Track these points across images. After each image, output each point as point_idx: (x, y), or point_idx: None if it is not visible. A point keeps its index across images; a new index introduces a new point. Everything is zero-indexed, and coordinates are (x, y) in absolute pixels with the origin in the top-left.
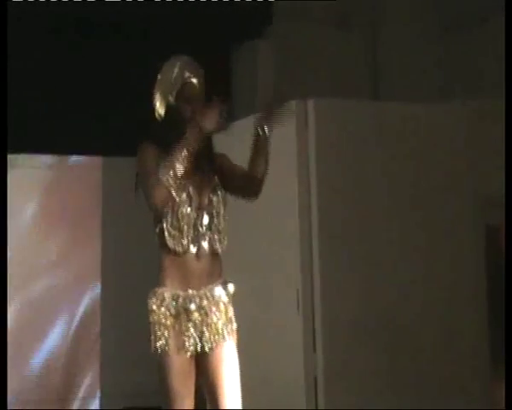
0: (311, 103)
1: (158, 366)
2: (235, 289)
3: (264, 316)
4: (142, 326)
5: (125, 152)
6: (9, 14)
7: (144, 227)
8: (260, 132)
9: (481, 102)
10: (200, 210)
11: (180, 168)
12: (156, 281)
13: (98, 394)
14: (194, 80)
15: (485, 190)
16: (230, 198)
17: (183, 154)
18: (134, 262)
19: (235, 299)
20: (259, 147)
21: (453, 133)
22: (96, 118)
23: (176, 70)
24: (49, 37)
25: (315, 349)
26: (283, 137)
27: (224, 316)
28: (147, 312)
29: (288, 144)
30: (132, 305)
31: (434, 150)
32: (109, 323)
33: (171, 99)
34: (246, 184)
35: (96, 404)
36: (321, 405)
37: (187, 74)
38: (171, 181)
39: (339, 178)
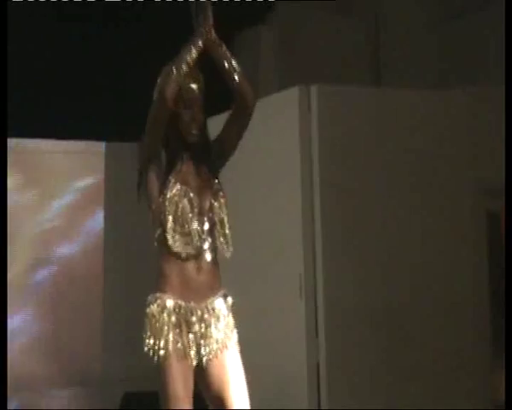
0: (313, 89)
1: (158, 369)
2: (234, 300)
3: (266, 301)
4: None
5: (128, 138)
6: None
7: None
8: (206, 35)
9: (482, 89)
10: (201, 216)
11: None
12: (156, 285)
13: (100, 377)
14: (194, 85)
15: (486, 177)
16: (229, 187)
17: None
18: (136, 252)
19: (236, 289)
20: (217, 53)
21: (454, 120)
22: (100, 103)
23: (174, 76)
24: (52, 21)
25: (317, 334)
26: (286, 122)
27: (224, 328)
28: (146, 315)
29: (290, 130)
30: (134, 292)
31: (435, 136)
32: (112, 308)
33: (170, 104)
34: (236, 107)
35: (97, 388)
36: (323, 390)
37: (186, 79)
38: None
39: (341, 164)
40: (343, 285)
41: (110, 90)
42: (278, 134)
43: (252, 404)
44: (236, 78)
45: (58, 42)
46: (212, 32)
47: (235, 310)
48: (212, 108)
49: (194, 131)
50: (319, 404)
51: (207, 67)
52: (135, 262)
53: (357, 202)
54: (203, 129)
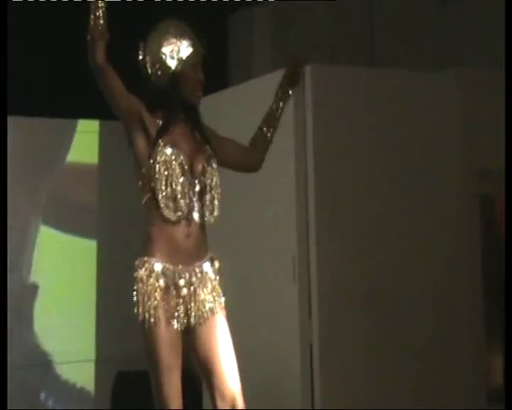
0: (308, 69)
1: (145, 336)
2: (222, 264)
3: (259, 284)
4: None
5: None
6: None
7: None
8: (283, 96)
9: (477, 71)
10: (192, 179)
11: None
12: (142, 249)
13: (93, 358)
14: (200, 48)
15: (480, 160)
16: (220, 171)
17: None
18: (131, 227)
19: (228, 269)
20: (274, 116)
21: (448, 102)
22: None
23: (181, 39)
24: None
25: (310, 317)
26: None
27: (211, 292)
28: (133, 280)
29: (284, 111)
30: (127, 268)
31: (429, 118)
32: (104, 287)
33: (178, 66)
34: (245, 160)
35: (90, 368)
36: (316, 373)
37: (193, 42)
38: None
39: (335, 145)
40: (337, 268)
41: None
42: None
43: (244, 386)
44: (263, 149)
45: (52, 18)
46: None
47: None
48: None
49: (200, 93)
50: (312, 385)
51: None
52: (131, 242)
53: (350, 184)
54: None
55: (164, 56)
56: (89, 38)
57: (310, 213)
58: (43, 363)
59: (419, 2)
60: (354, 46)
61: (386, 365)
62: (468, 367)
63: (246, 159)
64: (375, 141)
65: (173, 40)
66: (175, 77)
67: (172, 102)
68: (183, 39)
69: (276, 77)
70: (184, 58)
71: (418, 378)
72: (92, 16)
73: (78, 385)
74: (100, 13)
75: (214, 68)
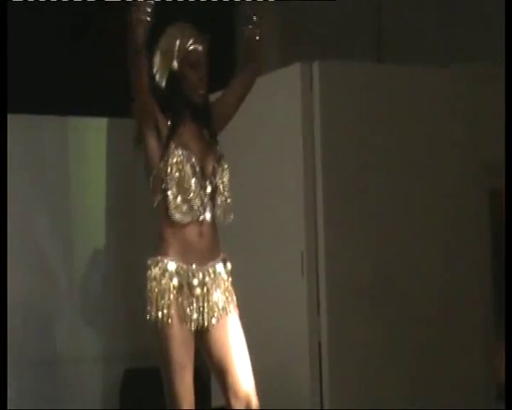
0: (315, 66)
1: (158, 335)
2: (233, 266)
3: (268, 280)
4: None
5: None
6: None
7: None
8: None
9: (484, 67)
10: (203, 180)
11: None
12: (155, 249)
13: (100, 355)
14: (200, 47)
15: (488, 155)
16: (231, 165)
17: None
18: (137, 226)
19: (236, 265)
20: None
21: (456, 97)
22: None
23: (180, 38)
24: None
25: (319, 313)
26: (288, 100)
27: (224, 292)
28: (146, 279)
29: (292, 107)
30: (134, 266)
31: (437, 114)
32: (111, 284)
33: (175, 66)
34: (247, 67)
35: (98, 365)
36: (325, 369)
37: (191, 41)
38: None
39: (343, 141)
40: (345, 264)
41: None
42: (279, 112)
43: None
44: (260, 35)
45: (58, 17)
46: None
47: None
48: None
49: (202, 91)
50: (321, 383)
51: None
52: (137, 241)
53: (359, 180)
54: (208, 91)
55: (163, 56)
56: (130, 18)
57: (318, 208)
58: (51, 361)
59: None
60: (362, 41)
61: (396, 363)
62: (478, 366)
63: (243, 85)
64: (383, 137)
65: (171, 40)
66: (174, 77)
67: (174, 102)
68: (181, 39)
69: (284, 73)
70: (181, 57)
71: (426, 375)
72: None
73: (86, 384)
74: None
75: (222, 65)
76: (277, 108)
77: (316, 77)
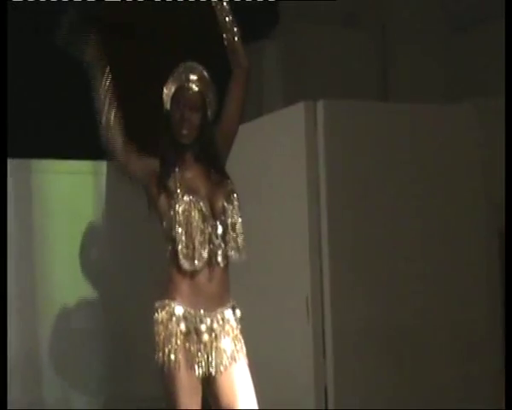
0: (320, 105)
1: (165, 380)
2: (242, 314)
3: (273, 324)
4: (147, 330)
5: None
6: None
7: (149, 235)
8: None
9: (492, 103)
10: (214, 220)
11: None
12: (163, 292)
13: (103, 396)
14: (193, 86)
15: (498, 193)
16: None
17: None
18: (139, 268)
19: (241, 309)
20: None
21: (465, 135)
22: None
23: (173, 76)
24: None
25: (325, 356)
26: (292, 139)
27: (233, 340)
28: (153, 323)
29: (297, 146)
30: (137, 309)
31: (445, 152)
32: (113, 325)
33: (167, 106)
34: (234, 75)
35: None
36: None
37: (183, 79)
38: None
39: (348, 181)
40: (350, 308)
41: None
42: (284, 151)
43: None
44: (236, 36)
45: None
46: None
47: (243, 330)
48: None
49: (185, 132)
50: None
51: None
52: (140, 285)
53: (365, 221)
54: (197, 130)
55: (164, 97)
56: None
57: (323, 252)
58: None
59: (431, 35)
60: (367, 80)
61: (404, 405)
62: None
63: (238, 89)
64: (389, 176)
65: (169, 81)
66: (166, 117)
67: (161, 143)
68: (176, 78)
69: (288, 112)
70: (170, 96)
71: None
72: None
73: None
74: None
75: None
76: (282, 147)
77: (320, 116)
